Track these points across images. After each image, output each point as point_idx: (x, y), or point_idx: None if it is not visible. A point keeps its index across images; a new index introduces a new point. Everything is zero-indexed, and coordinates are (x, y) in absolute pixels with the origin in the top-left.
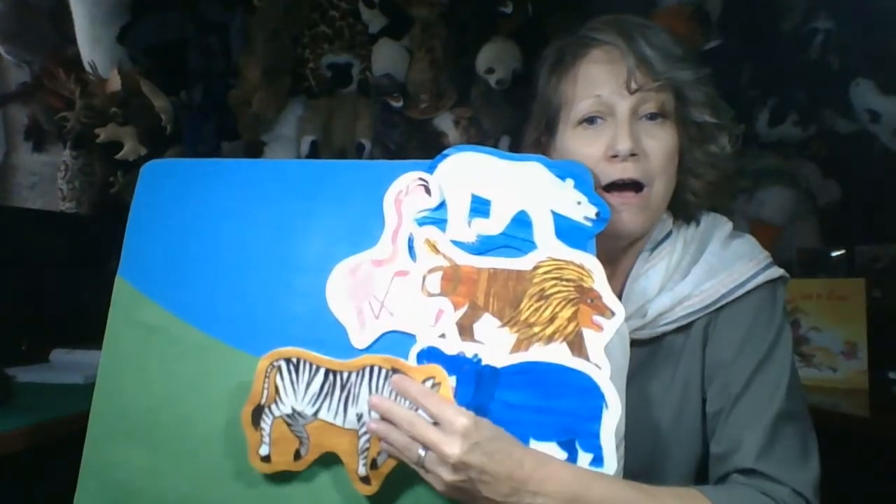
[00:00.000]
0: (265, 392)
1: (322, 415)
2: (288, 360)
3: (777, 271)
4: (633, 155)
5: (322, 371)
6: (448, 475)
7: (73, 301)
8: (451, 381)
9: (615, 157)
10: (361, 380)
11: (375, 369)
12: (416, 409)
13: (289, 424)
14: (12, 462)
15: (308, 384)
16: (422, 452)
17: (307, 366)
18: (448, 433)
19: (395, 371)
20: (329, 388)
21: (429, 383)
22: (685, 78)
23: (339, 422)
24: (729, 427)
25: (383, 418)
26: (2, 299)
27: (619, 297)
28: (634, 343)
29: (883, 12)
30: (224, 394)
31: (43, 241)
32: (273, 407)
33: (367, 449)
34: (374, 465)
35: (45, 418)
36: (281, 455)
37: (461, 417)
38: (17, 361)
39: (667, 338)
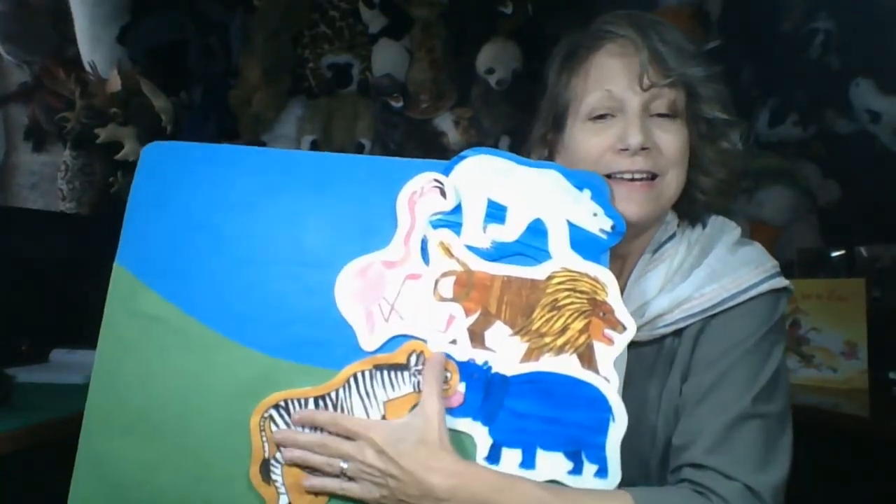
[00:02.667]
0: (265, 445)
1: None
2: (276, 407)
3: (782, 282)
4: (644, 149)
5: (311, 402)
6: (374, 479)
7: (73, 301)
8: (460, 385)
9: (625, 150)
10: (349, 392)
11: (359, 375)
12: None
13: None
14: (12, 462)
15: None
16: (343, 465)
17: (296, 403)
18: (359, 442)
19: (376, 367)
20: None
21: (413, 358)
22: (697, 74)
23: None
24: (690, 420)
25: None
26: (2, 299)
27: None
28: (633, 345)
29: (883, 12)
30: (226, 390)
31: (43, 241)
32: (279, 455)
33: None
34: None
35: (45, 418)
36: (301, 496)
37: (369, 429)
38: (17, 361)
39: (666, 340)
